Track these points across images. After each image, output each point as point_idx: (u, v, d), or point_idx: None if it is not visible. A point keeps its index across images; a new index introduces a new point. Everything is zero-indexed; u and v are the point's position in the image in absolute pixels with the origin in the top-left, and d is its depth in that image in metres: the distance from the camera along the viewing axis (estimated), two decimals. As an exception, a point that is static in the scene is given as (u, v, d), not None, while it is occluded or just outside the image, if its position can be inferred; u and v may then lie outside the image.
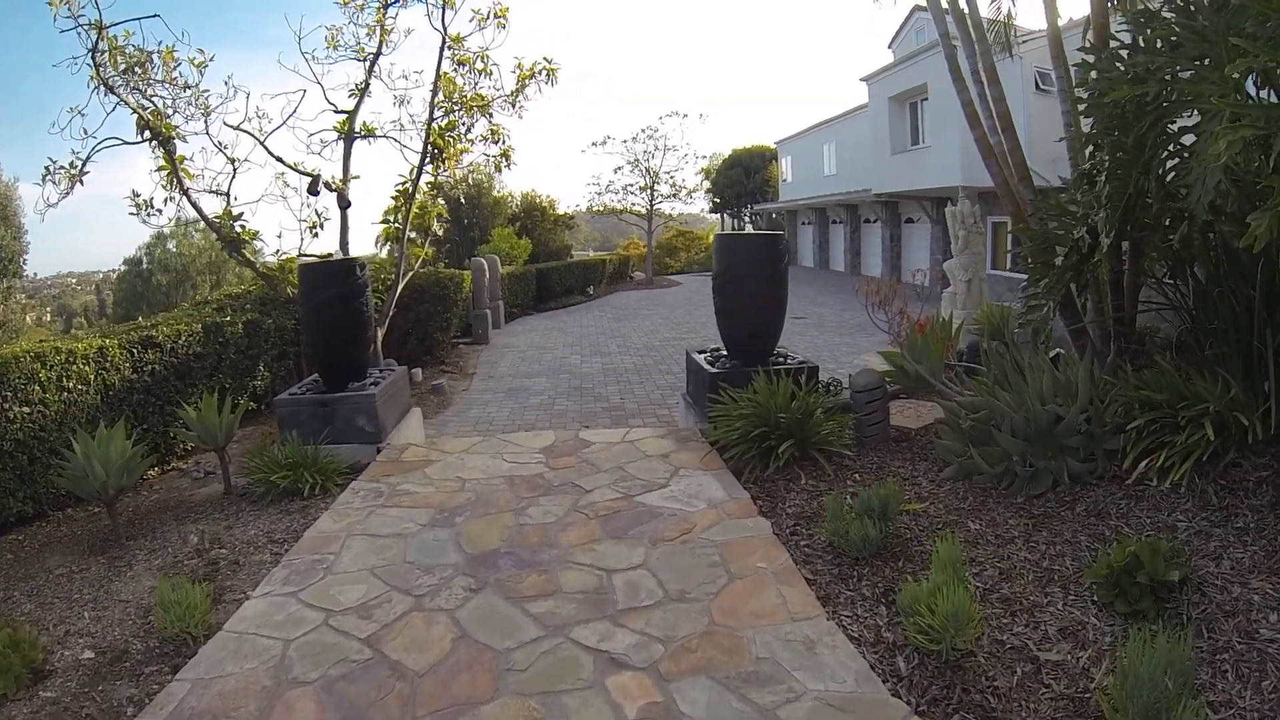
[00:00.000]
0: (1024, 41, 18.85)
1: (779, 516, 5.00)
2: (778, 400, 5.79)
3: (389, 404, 7.38)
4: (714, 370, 6.62)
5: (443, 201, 34.31)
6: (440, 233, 37.08)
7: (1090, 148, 5.08)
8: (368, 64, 10.23)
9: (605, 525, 5.00)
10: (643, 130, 34.53)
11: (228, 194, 9.84)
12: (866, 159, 27.14)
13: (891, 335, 6.41)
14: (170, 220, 9.41)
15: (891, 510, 4.33)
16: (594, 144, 36.28)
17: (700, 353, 7.46)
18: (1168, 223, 4.56)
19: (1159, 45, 4.11)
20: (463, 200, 35.29)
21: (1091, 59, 4.96)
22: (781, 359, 6.90)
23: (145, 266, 45.54)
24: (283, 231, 10.30)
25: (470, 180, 34.50)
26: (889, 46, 26.65)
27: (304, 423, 6.81)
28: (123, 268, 48.43)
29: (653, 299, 26.66)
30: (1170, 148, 4.16)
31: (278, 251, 10.21)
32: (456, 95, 10.69)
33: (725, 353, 7.15)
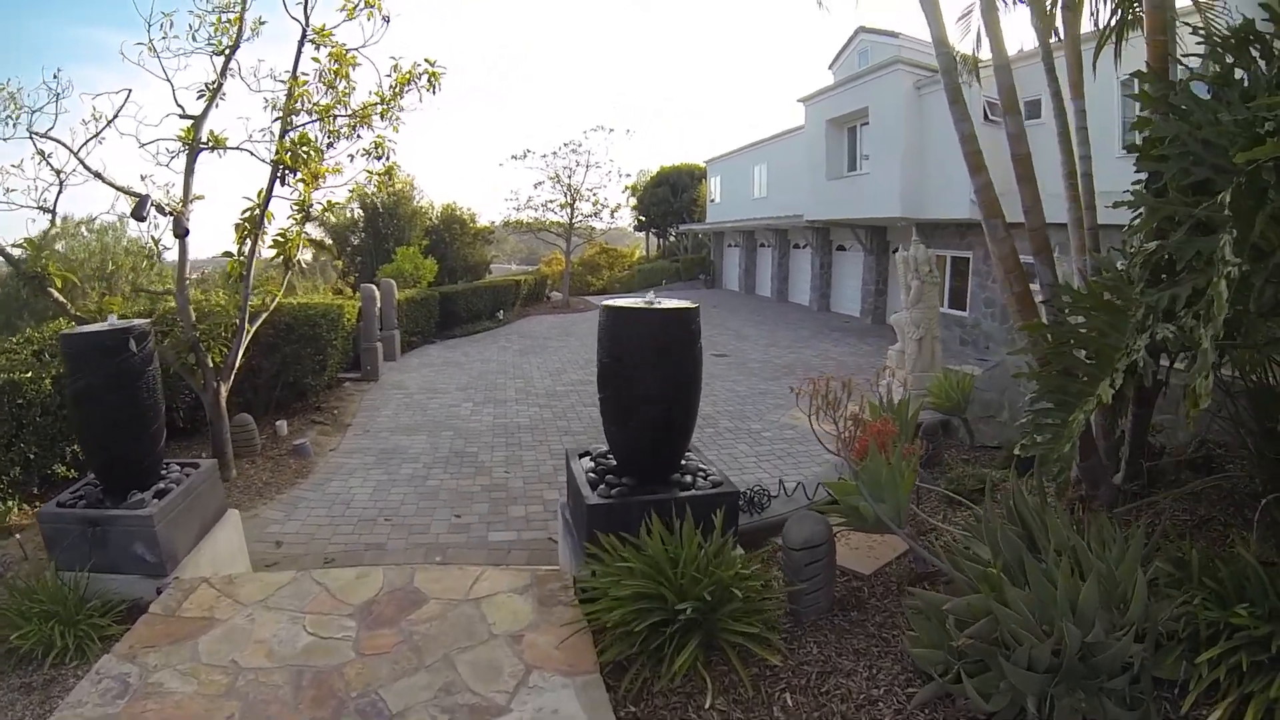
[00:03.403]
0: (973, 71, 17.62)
1: (667, 795, 3.15)
2: (681, 570, 3.95)
3: (181, 520, 5.42)
4: (595, 500, 4.70)
5: (359, 210, 32.23)
6: (355, 242, 34.98)
7: (1155, 223, 3.40)
8: (223, 60, 8.32)
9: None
10: (565, 144, 32.50)
11: (53, 212, 7.91)
12: (799, 183, 25.73)
13: (839, 453, 4.62)
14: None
15: None
16: (513, 157, 33.96)
17: (584, 455, 5.58)
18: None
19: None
20: (380, 209, 32.95)
21: (1142, 88, 3.31)
22: (689, 478, 5.05)
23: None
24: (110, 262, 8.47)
25: (389, 191, 32.32)
26: (829, 68, 25.31)
27: (73, 544, 5.00)
28: (7, 269, 44.69)
29: (566, 326, 24.70)
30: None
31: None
32: (312, 101, 8.76)
33: (614, 461, 5.26)
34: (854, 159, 22.79)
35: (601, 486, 4.89)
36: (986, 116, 17.27)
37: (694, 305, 4.91)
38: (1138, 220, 4.49)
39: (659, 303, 4.88)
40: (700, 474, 5.15)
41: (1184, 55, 4.10)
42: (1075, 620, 3.20)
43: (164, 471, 5.79)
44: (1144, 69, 4.12)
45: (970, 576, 3.72)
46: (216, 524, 5.98)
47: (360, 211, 33.71)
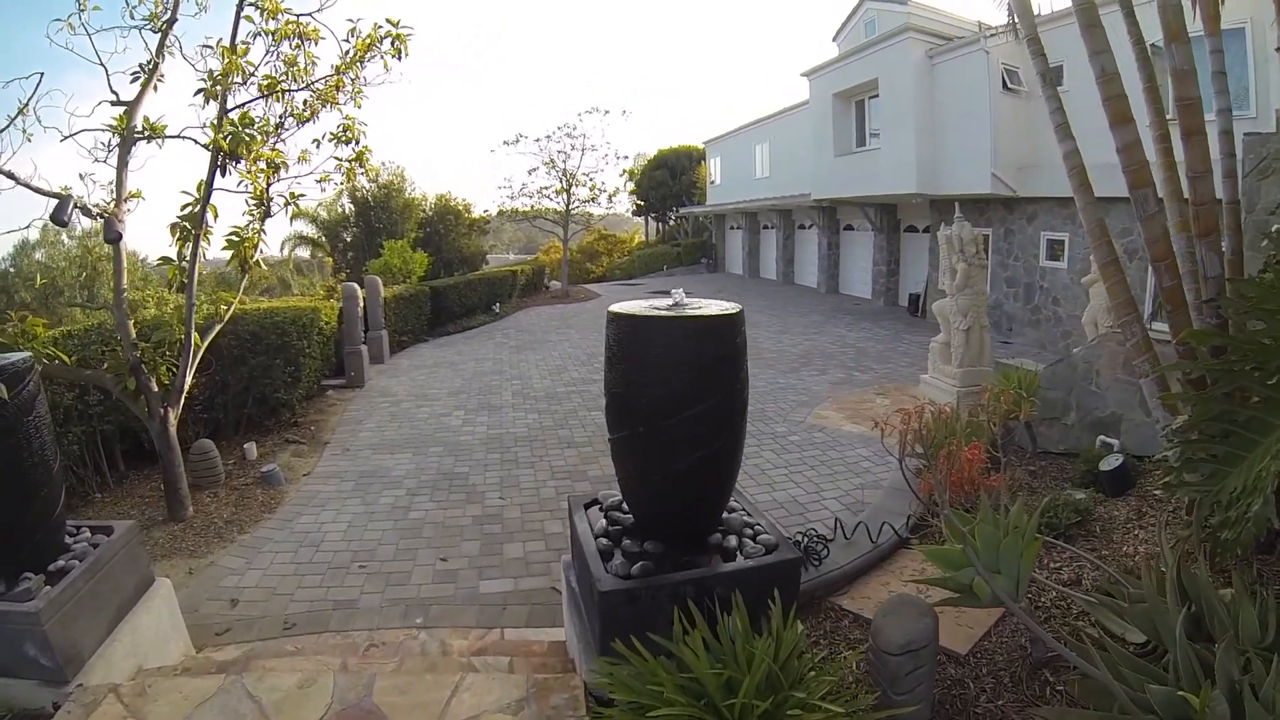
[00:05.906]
0: (990, 35, 16.36)
1: None
2: (740, 701, 2.79)
3: (86, 608, 4.27)
4: (610, 585, 3.44)
5: (349, 205, 30.94)
6: (347, 238, 33.66)
7: None
8: (159, 36, 7.17)
9: None
10: (559, 128, 31.09)
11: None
12: (804, 161, 24.51)
13: (932, 502, 3.45)
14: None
15: None
16: (505, 143, 32.52)
17: (592, 504, 4.40)
18: None
19: None
20: (370, 202, 31.71)
21: None
22: (733, 539, 3.84)
23: (11, 280, 40.37)
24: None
25: (380, 181, 31.19)
26: (833, 39, 24.02)
27: (-42, 643, 3.83)
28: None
29: (565, 317, 23.45)
30: None
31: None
32: (248, 74, 7.61)
33: (631, 518, 4.07)
34: (863, 134, 21.56)
35: (618, 557, 3.68)
36: (1005, 85, 16.12)
37: (737, 308, 3.73)
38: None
39: (690, 305, 3.69)
40: (747, 530, 3.96)
41: None
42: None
43: (70, 541, 4.63)
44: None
45: (1142, 693, 2.57)
46: (139, 601, 4.80)
47: (351, 206, 32.54)
